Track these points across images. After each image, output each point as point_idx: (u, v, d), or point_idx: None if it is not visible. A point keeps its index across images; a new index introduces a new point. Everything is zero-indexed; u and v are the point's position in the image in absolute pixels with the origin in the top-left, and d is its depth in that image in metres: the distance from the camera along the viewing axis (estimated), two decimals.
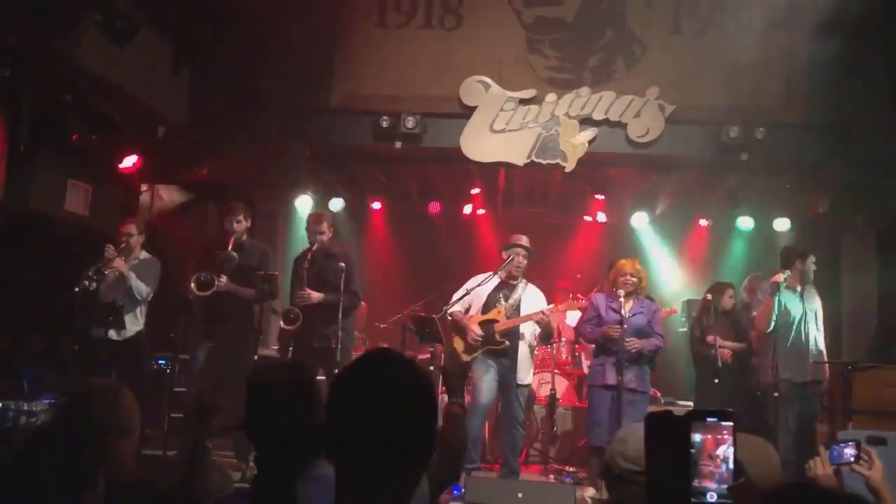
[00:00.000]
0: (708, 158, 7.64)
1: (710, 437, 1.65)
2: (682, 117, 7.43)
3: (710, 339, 6.42)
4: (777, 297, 5.82)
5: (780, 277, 5.85)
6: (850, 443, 2.62)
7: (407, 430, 1.49)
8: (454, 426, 2.50)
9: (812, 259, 6.08)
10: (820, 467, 2.60)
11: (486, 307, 6.19)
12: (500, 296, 6.20)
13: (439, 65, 7.75)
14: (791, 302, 6.01)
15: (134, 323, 6.19)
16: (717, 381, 6.16)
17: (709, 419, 1.67)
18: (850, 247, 7.53)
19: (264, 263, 6.17)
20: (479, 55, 7.73)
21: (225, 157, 7.67)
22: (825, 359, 5.93)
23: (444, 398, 2.61)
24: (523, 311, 6.15)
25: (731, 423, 1.66)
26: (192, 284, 5.89)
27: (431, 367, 6.68)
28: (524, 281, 6.30)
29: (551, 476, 6.81)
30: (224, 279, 5.93)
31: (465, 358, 6.14)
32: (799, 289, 6.07)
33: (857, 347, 6.71)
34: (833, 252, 7.35)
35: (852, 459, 2.57)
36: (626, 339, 5.79)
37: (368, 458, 1.47)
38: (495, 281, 6.24)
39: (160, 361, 7.35)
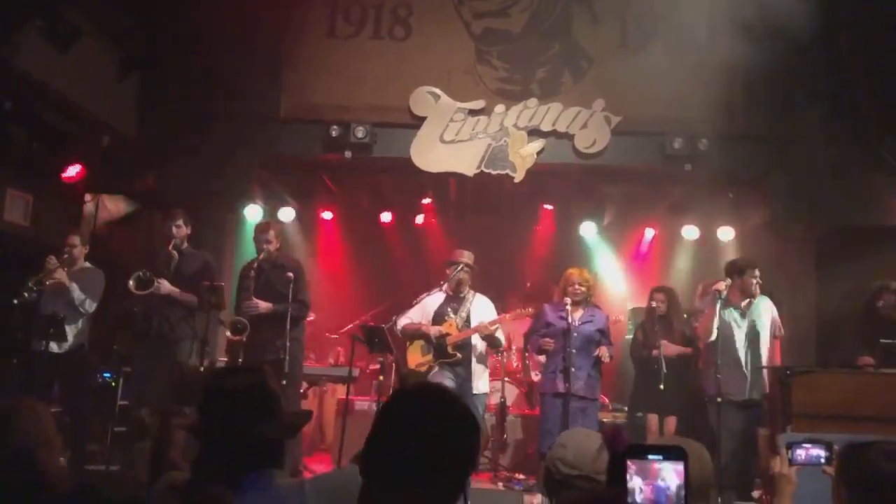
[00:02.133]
0: (653, 169, 7.80)
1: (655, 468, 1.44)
2: (628, 129, 7.57)
3: (654, 352, 6.49)
4: (718, 306, 5.88)
5: (721, 286, 5.91)
6: (816, 444, 2.66)
7: (451, 466, 1.61)
8: None
9: (752, 273, 6.09)
10: (778, 466, 2.68)
11: (436, 321, 6.21)
12: (449, 309, 6.25)
13: (389, 75, 7.77)
14: (731, 318, 6.02)
15: (76, 335, 6.06)
16: (662, 387, 6.26)
17: (651, 457, 1.45)
18: (790, 255, 7.74)
19: (206, 272, 6.11)
20: (428, 66, 7.77)
21: (172, 166, 7.57)
22: (764, 376, 5.99)
23: None
24: (473, 322, 6.20)
25: (681, 463, 1.45)
26: (131, 283, 5.81)
27: (381, 377, 6.70)
28: (472, 292, 6.36)
29: (500, 483, 6.85)
30: (164, 282, 5.87)
31: (419, 369, 6.16)
32: (742, 304, 6.14)
33: (796, 353, 6.88)
34: (773, 261, 7.54)
35: (822, 461, 2.63)
36: (575, 349, 5.89)
37: (409, 485, 1.57)
38: (442, 295, 6.30)
39: (105, 375, 7.21)
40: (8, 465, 2.26)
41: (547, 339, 6.03)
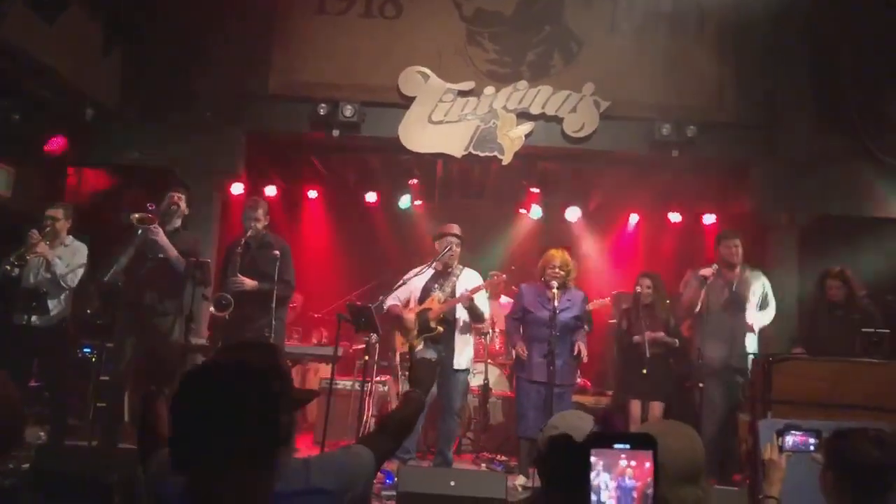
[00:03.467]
0: (640, 155, 7.82)
1: (621, 465, 1.32)
2: (617, 114, 7.57)
3: (637, 338, 6.49)
4: (703, 290, 6.02)
5: (708, 272, 6.03)
6: (807, 432, 2.73)
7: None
8: (409, 408, 2.54)
9: (730, 241, 6.26)
10: (768, 452, 2.75)
11: (422, 298, 6.23)
12: (436, 285, 6.26)
13: (379, 54, 7.71)
14: (718, 288, 6.16)
15: (58, 309, 6.01)
16: (645, 371, 6.29)
17: (617, 446, 1.33)
18: (774, 243, 7.80)
19: (194, 253, 6.06)
20: (418, 46, 7.71)
21: (157, 141, 7.49)
22: (745, 345, 6.13)
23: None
24: (457, 295, 6.21)
25: (650, 452, 1.32)
26: (135, 215, 5.78)
27: (367, 357, 6.70)
28: (460, 267, 6.36)
29: (483, 465, 6.89)
30: (160, 230, 5.83)
31: (404, 349, 6.19)
32: (729, 275, 6.22)
33: (779, 340, 6.95)
34: (757, 248, 7.60)
35: (812, 448, 2.69)
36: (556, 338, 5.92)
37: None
38: (430, 272, 6.29)
39: (86, 349, 7.15)
40: None
41: (521, 347, 6.11)
